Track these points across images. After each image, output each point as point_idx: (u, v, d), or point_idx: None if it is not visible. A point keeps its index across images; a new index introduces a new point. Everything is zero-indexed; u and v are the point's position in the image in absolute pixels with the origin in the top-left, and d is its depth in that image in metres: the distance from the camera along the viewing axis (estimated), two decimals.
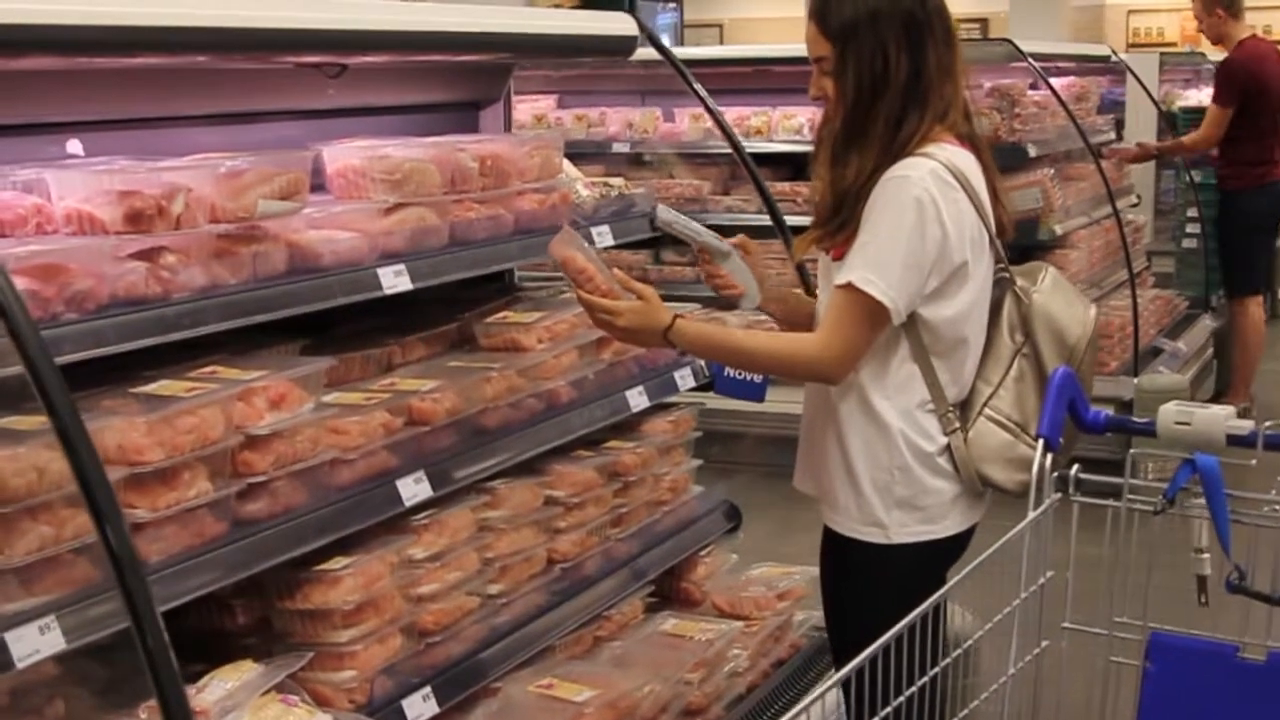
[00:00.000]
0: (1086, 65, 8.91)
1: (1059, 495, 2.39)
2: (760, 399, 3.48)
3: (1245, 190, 7.83)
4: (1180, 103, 10.06)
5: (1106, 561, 2.47)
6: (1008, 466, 2.73)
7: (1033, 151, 7.15)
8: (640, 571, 3.58)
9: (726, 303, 3.12)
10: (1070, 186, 7.66)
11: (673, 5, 16.53)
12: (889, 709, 1.97)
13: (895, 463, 2.73)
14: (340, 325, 3.24)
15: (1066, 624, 2.47)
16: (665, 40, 14.82)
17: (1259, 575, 2.38)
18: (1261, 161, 7.77)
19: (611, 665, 3.36)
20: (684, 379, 3.75)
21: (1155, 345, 7.73)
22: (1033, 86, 7.48)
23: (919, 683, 2.04)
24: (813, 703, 1.74)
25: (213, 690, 2.42)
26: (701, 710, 3.44)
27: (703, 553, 3.93)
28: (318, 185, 3.00)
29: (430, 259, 3.02)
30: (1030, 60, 7.08)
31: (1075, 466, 2.42)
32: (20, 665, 1.99)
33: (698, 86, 4.26)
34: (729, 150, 4.77)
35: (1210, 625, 2.46)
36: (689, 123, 7.41)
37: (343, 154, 3.07)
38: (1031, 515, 2.32)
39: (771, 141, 7.23)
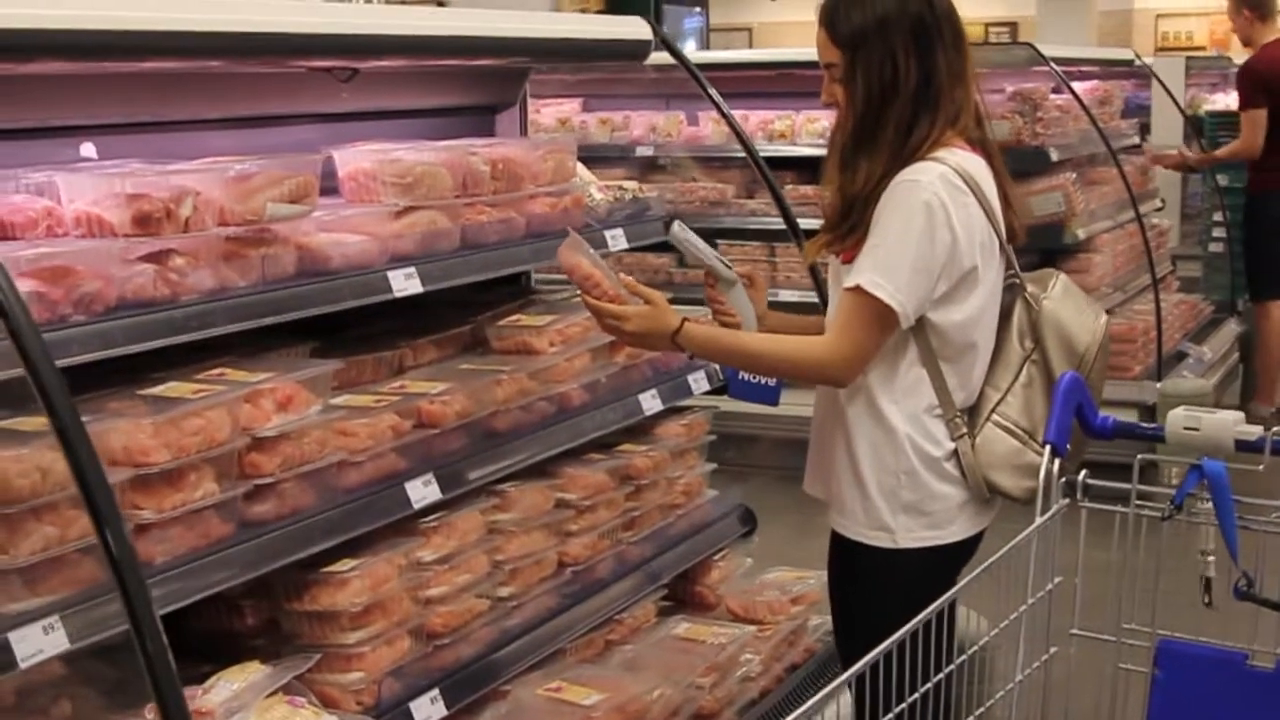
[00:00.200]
0: (1110, 70, 8.86)
1: (1066, 501, 2.38)
2: (775, 402, 3.46)
3: (1270, 193, 7.77)
4: (1207, 107, 9.99)
5: (1115, 567, 2.46)
6: (1015, 473, 2.72)
7: (1055, 155, 7.11)
8: (653, 575, 3.57)
9: None
10: (1093, 191, 7.61)
11: (699, 9, 16.49)
12: (894, 713, 1.96)
13: (902, 467, 2.72)
14: (354, 328, 3.26)
15: (1075, 630, 2.44)
16: (691, 44, 14.82)
17: (1267, 582, 2.36)
18: None
19: (622, 669, 3.35)
20: (698, 382, 3.74)
21: (1180, 350, 7.67)
22: (1055, 91, 7.45)
23: (924, 686, 2.03)
24: (813, 704, 1.74)
25: (219, 691, 2.43)
26: (713, 715, 3.43)
27: (717, 556, 3.93)
28: (330, 189, 3.01)
29: (441, 262, 3.03)
30: (1051, 64, 7.05)
31: (1083, 472, 2.41)
32: (24, 665, 2.00)
33: (712, 91, 4.26)
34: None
35: (1219, 633, 2.44)
36: (711, 127, 7.39)
37: (354, 157, 3.09)
38: (1039, 521, 2.31)
39: (795, 145, 7.19)
